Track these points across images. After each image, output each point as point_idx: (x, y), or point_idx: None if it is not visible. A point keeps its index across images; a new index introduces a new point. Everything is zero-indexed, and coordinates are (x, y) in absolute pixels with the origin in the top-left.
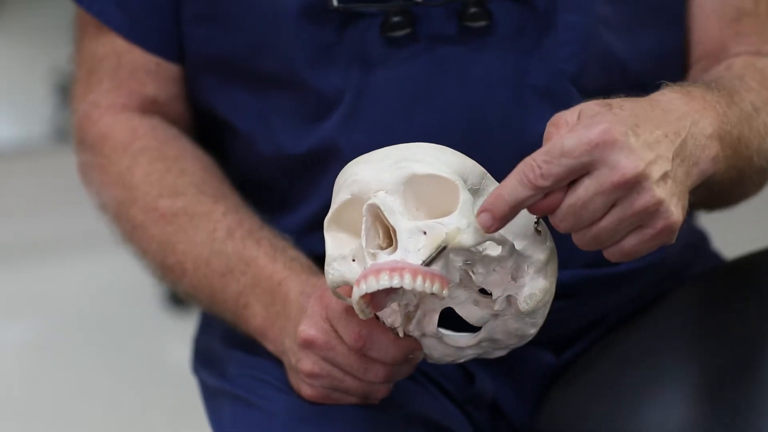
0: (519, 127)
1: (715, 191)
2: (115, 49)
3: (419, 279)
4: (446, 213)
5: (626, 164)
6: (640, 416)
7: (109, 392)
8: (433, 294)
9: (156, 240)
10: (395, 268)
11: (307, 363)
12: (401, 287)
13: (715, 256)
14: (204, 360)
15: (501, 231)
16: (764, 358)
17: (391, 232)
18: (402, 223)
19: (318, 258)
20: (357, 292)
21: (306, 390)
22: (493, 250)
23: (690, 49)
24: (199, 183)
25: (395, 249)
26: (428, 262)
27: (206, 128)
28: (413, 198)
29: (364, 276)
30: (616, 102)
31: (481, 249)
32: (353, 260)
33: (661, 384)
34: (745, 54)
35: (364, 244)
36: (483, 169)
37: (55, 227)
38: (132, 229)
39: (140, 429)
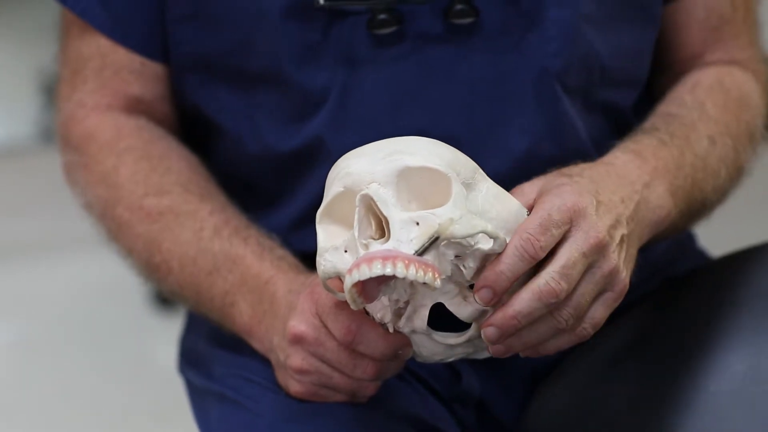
0: (506, 126)
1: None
2: (100, 49)
3: (412, 268)
4: (438, 205)
5: (598, 228)
6: (625, 415)
7: (96, 392)
8: (425, 284)
9: (141, 239)
10: (388, 257)
11: (296, 359)
12: (393, 279)
13: (700, 255)
14: (190, 360)
15: (493, 226)
16: (750, 354)
17: (383, 223)
18: (395, 214)
19: (305, 256)
20: (349, 280)
21: (294, 386)
22: (485, 243)
23: (669, 52)
24: (185, 182)
25: (388, 239)
26: (420, 252)
27: (191, 128)
28: (406, 190)
29: (357, 264)
30: (575, 171)
31: (473, 242)
32: (345, 251)
33: (647, 384)
34: (718, 63)
35: (356, 235)
36: (475, 164)
37: (40, 228)
38: (117, 228)
39: (127, 429)
